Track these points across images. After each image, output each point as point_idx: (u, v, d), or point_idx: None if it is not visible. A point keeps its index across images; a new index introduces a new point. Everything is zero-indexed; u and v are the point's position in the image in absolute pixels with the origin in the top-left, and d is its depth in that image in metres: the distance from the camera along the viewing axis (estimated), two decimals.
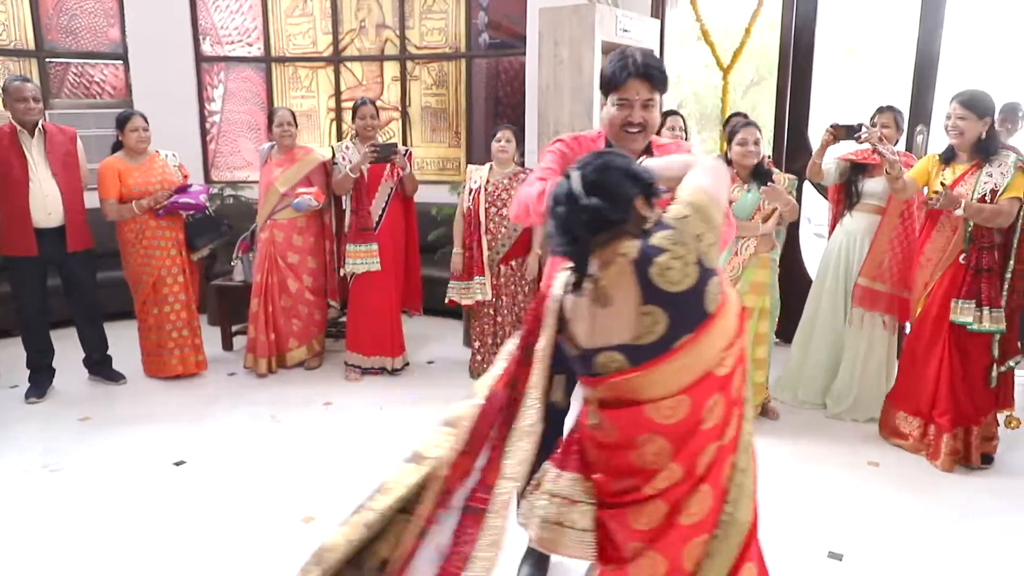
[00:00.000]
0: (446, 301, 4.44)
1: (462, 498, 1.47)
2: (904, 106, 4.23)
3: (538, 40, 4.56)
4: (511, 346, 1.66)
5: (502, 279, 4.34)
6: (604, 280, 1.49)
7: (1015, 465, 3.36)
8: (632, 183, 1.50)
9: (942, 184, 3.22)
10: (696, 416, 1.49)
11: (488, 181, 4.26)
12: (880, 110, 3.91)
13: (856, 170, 3.89)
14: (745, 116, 4.77)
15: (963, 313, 3.20)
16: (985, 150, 3.16)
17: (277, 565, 2.56)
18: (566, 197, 1.49)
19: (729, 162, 3.64)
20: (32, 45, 5.81)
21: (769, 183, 3.52)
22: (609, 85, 2.04)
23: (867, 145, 3.65)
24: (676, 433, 1.48)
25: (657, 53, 5.18)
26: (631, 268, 1.46)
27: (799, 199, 3.75)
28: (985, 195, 3.11)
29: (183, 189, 4.25)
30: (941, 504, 3.00)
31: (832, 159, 3.94)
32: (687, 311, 1.46)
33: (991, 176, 3.12)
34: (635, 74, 1.97)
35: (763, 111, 11.71)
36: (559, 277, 1.62)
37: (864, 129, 3.55)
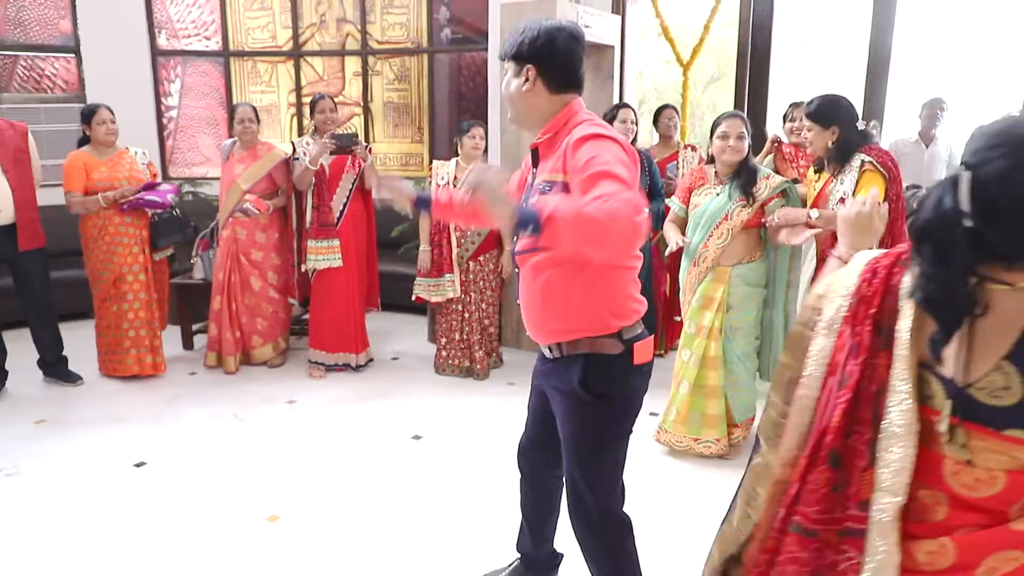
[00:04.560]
0: (413, 298, 4.42)
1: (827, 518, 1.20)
2: (858, 100, 4.31)
3: (500, 35, 4.58)
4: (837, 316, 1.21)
5: (471, 275, 4.35)
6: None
7: None
8: None
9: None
10: None
11: (455, 177, 4.22)
12: (794, 105, 3.83)
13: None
14: (674, 108, 4.69)
15: None
16: (838, 158, 2.97)
17: (243, 565, 2.54)
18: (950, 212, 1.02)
19: (711, 159, 3.27)
20: None
21: (784, 203, 3.04)
22: None
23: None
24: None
25: (618, 49, 5.21)
26: None
27: (795, 202, 3.17)
28: (835, 206, 2.91)
29: (151, 187, 4.18)
30: None
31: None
32: None
33: (842, 184, 2.94)
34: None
35: (723, 106, 11.83)
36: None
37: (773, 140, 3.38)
